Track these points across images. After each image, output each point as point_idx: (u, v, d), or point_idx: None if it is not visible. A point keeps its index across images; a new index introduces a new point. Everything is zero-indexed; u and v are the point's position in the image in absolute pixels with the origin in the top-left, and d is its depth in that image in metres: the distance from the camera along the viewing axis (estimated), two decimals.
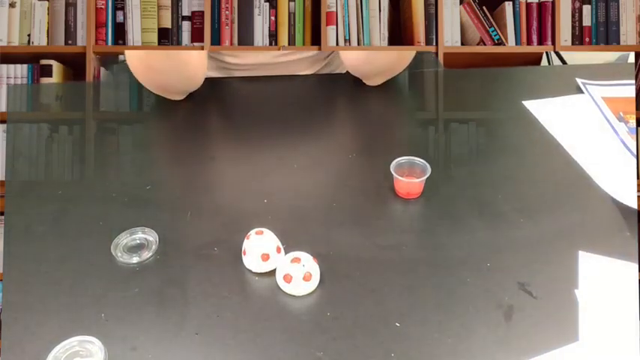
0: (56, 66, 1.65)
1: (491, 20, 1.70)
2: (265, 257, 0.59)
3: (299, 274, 0.57)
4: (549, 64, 1.78)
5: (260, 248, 0.60)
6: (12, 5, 1.63)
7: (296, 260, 0.58)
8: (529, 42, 1.71)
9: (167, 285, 0.59)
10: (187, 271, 0.60)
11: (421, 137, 0.86)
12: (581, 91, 0.91)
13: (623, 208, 0.68)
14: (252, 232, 0.61)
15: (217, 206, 0.70)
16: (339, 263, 0.61)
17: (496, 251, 0.63)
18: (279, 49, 1.64)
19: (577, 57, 1.80)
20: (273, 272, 0.59)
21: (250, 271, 0.60)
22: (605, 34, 1.71)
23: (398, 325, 0.54)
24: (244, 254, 0.61)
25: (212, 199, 0.71)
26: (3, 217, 0.78)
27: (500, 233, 0.66)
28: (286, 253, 0.60)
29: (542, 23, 1.71)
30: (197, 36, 1.67)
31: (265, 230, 0.61)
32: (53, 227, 0.67)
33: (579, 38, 1.71)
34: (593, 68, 1.04)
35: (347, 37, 1.67)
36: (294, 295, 0.57)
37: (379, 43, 1.68)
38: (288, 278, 0.57)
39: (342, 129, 0.88)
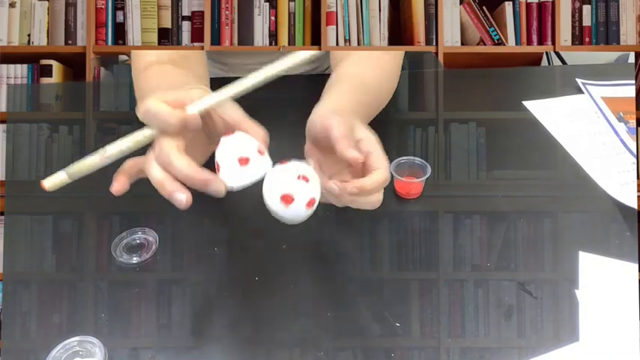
0: (56, 66, 1.65)
1: (491, 20, 1.70)
2: (244, 161, 0.47)
3: (303, 199, 0.47)
4: (549, 64, 1.78)
5: (235, 150, 0.47)
6: (12, 5, 1.63)
7: (304, 178, 0.47)
8: (529, 42, 1.71)
9: (167, 285, 0.59)
10: (187, 271, 0.60)
11: (421, 137, 0.86)
12: (581, 91, 0.91)
13: (623, 208, 0.68)
14: (222, 138, 0.48)
15: (217, 206, 0.70)
16: (339, 263, 0.61)
17: (496, 251, 0.63)
18: (279, 49, 1.64)
19: (577, 57, 1.80)
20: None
21: (230, 187, 0.48)
22: (605, 34, 1.71)
23: (398, 325, 0.54)
24: (218, 169, 0.48)
25: (212, 199, 0.71)
26: (3, 217, 0.78)
27: (500, 233, 0.66)
28: (287, 252, 0.59)
29: (542, 23, 1.71)
30: (197, 36, 1.67)
31: (239, 132, 0.49)
32: (53, 227, 0.67)
33: (579, 38, 1.71)
34: (593, 68, 1.04)
35: (347, 37, 1.68)
36: (281, 220, 0.49)
37: (379, 43, 1.68)
38: (288, 199, 0.47)
39: None
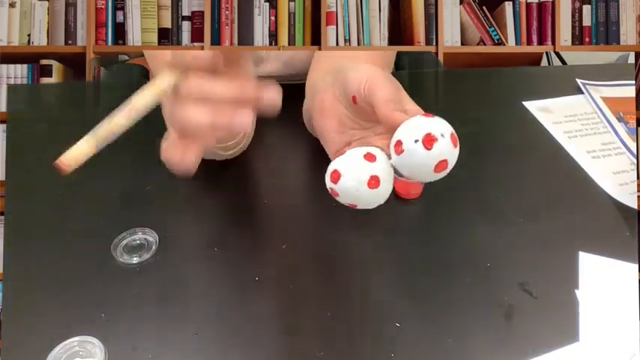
0: (56, 66, 1.66)
1: (491, 20, 1.70)
2: (374, 184, 0.42)
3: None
4: (549, 64, 1.78)
5: (365, 171, 0.42)
6: (12, 5, 1.63)
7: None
8: (529, 42, 1.71)
9: (167, 285, 0.59)
10: (187, 271, 0.60)
11: None
12: (581, 91, 0.91)
13: (623, 208, 0.68)
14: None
15: (217, 206, 0.70)
16: (339, 263, 0.61)
17: (496, 251, 0.63)
18: (279, 49, 1.64)
19: (577, 57, 1.80)
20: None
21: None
22: (605, 34, 1.71)
23: (398, 325, 0.54)
24: (338, 178, 0.43)
25: (212, 199, 0.71)
26: (3, 217, 0.78)
27: (500, 233, 0.65)
28: (287, 252, 0.59)
29: (542, 23, 1.71)
30: (197, 36, 1.67)
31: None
32: (53, 227, 0.67)
33: (579, 38, 1.72)
34: (593, 68, 1.04)
35: (347, 37, 1.68)
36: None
37: (379, 43, 1.69)
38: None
39: None
